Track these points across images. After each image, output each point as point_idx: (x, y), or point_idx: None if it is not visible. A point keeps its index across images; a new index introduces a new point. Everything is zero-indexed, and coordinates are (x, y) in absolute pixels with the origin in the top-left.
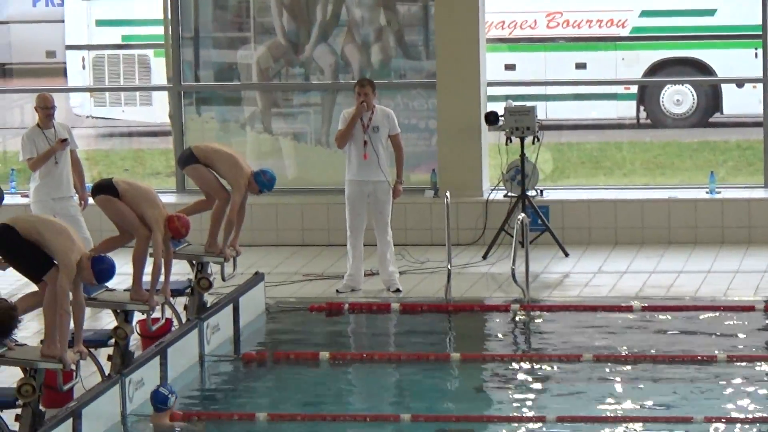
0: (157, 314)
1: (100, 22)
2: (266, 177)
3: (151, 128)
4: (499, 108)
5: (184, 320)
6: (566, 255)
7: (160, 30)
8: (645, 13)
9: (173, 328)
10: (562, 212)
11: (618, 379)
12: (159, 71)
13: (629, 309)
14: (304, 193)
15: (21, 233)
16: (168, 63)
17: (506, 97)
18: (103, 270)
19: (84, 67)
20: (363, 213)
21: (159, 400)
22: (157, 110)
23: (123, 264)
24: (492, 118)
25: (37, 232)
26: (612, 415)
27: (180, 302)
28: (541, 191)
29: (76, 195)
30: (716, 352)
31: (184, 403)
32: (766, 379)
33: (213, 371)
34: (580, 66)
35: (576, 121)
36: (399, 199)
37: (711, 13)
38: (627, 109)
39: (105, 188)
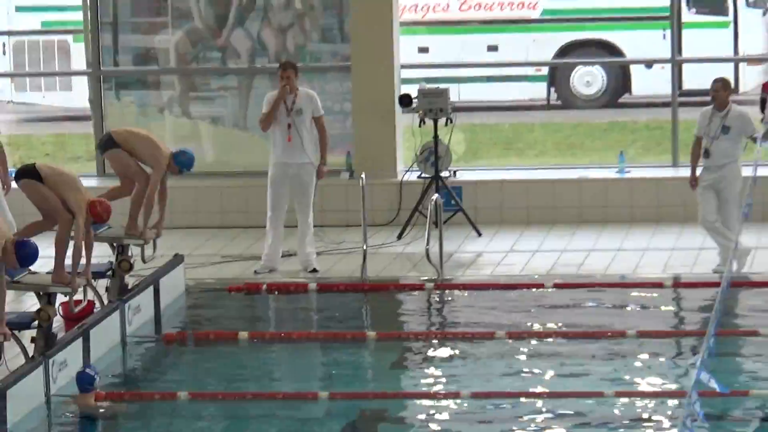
0: (79, 296)
1: (20, 8)
2: (185, 156)
3: (72, 113)
4: (412, 90)
5: (105, 302)
6: (479, 234)
7: (79, 16)
8: None
9: (95, 310)
10: (475, 193)
11: (531, 355)
12: (79, 57)
13: (541, 286)
14: (223, 176)
15: None
16: (87, 48)
17: (420, 80)
18: (26, 254)
19: (4, 53)
20: (285, 195)
21: (85, 381)
22: (77, 95)
23: (46, 247)
24: (406, 101)
25: None
26: (526, 390)
27: (102, 284)
28: (455, 172)
29: None
30: (626, 328)
31: (107, 383)
32: (674, 353)
33: (135, 352)
34: (492, 48)
35: (488, 103)
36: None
37: None
38: (538, 91)
39: (28, 173)
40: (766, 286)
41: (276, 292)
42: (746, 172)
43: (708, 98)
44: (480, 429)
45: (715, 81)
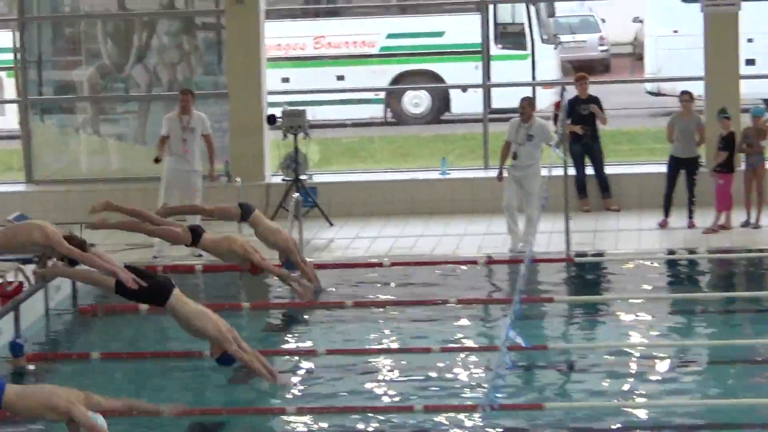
0: (11, 278)
1: None
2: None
3: (5, 133)
4: (277, 111)
5: (33, 282)
6: (331, 225)
7: (10, 56)
8: (390, 36)
9: (24, 289)
10: (328, 192)
11: (375, 320)
12: (10, 88)
13: (380, 265)
14: (126, 182)
15: None
16: (17, 81)
17: (283, 103)
18: None
19: None
20: (176, 195)
21: (16, 349)
22: (10, 119)
23: None
24: (272, 120)
25: None
26: (371, 347)
27: (29, 268)
28: (311, 176)
29: None
30: (449, 296)
31: (34, 348)
32: (488, 317)
33: (56, 322)
34: (340, 77)
35: (338, 121)
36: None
37: (440, 34)
38: (377, 111)
39: None
40: (560, 262)
41: (170, 272)
42: (544, 171)
43: (513, 114)
44: (335, 379)
45: (523, 99)
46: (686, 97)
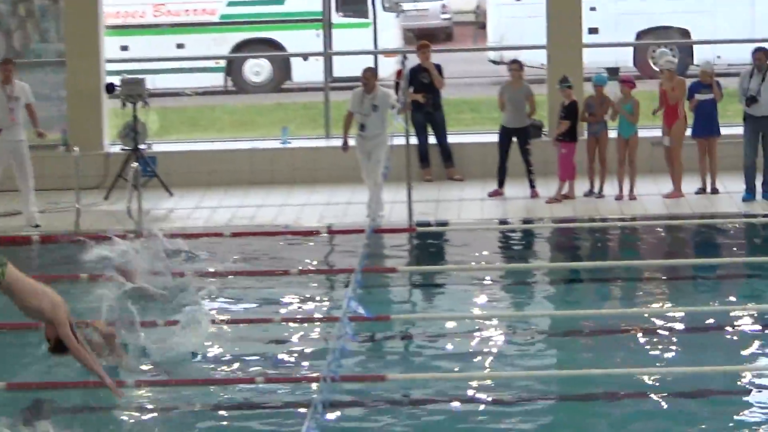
0: None
1: None
2: None
3: None
4: (116, 80)
5: None
6: (171, 195)
7: None
8: (230, 3)
9: None
10: (167, 161)
11: (215, 291)
12: None
13: (221, 235)
14: None
15: None
16: None
17: (121, 72)
18: None
19: None
20: (4, 163)
21: None
22: None
23: None
24: (110, 88)
25: None
26: (212, 318)
27: None
28: (150, 145)
29: None
30: (290, 267)
31: None
32: (330, 287)
33: None
34: (180, 46)
35: (177, 89)
36: (38, 153)
37: (281, 2)
38: (217, 79)
39: None
40: (403, 232)
41: (4, 244)
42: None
43: (355, 83)
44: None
45: (366, 70)
46: (515, 66)
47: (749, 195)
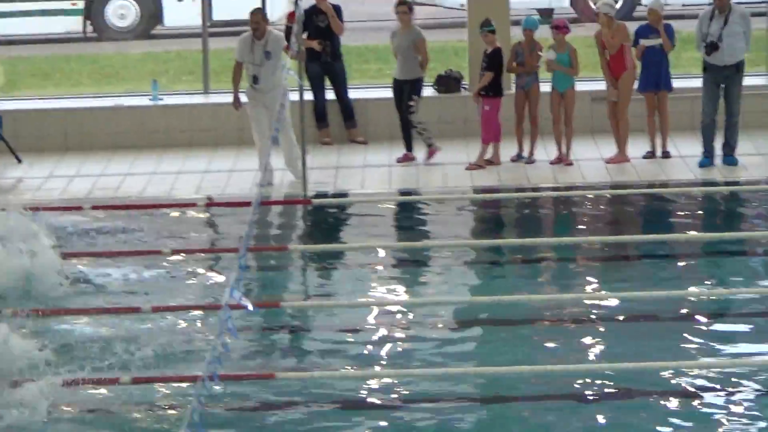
0: None
1: None
2: None
3: None
4: None
5: None
6: (19, 161)
7: None
8: None
9: None
10: (15, 122)
11: (71, 274)
12: None
13: (80, 209)
14: None
15: None
16: None
17: None
18: None
19: None
20: None
21: None
22: None
23: None
24: None
25: None
26: (69, 308)
27: None
28: None
29: None
30: (163, 247)
31: None
32: (209, 270)
33: None
34: None
35: (25, 36)
36: None
37: None
38: (74, 24)
39: None
40: (296, 204)
41: None
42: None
43: (241, 28)
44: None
45: (254, 12)
46: (402, 8)
47: (707, 160)
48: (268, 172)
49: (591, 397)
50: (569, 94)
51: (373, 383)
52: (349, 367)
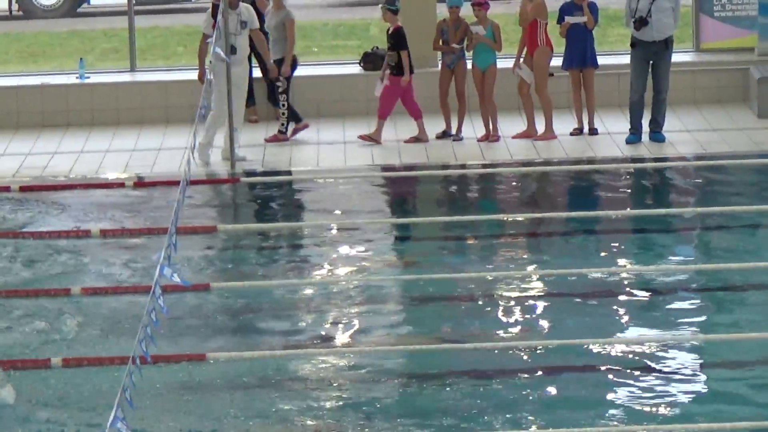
0: None
1: None
2: None
3: None
4: None
5: None
6: None
7: None
8: None
9: None
10: None
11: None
12: None
13: (8, 189)
14: None
15: None
16: None
17: None
18: None
19: None
20: None
21: None
22: None
23: None
24: None
25: None
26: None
27: None
28: None
29: None
30: (92, 227)
31: None
32: (141, 250)
33: None
34: None
35: None
36: None
37: None
38: (0, 2)
39: None
40: (225, 183)
41: None
42: None
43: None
44: None
45: None
46: None
47: (634, 136)
48: (207, 147)
49: (516, 372)
50: (490, 71)
51: (305, 363)
52: (281, 348)
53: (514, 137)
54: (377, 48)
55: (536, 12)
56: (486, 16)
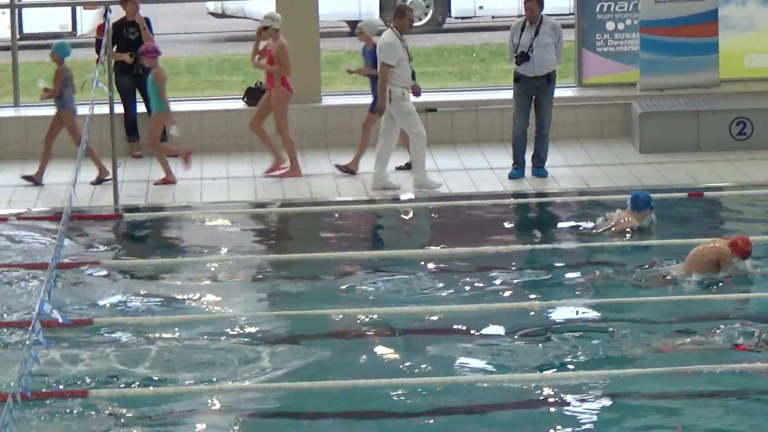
0: None
1: None
2: None
3: None
4: None
5: None
6: None
7: None
8: None
9: None
10: None
11: None
12: None
13: None
14: None
15: None
16: None
17: None
18: None
19: None
20: None
21: None
22: None
23: None
24: None
25: None
26: None
27: None
28: None
29: None
30: None
31: None
32: (21, 286)
33: None
34: None
35: None
36: None
37: None
38: None
39: None
40: (107, 219)
41: None
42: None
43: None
44: None
45: None
46: None
47: (517, 171)
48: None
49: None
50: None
51: (187, 399)
52: (163, 385)
53: (271, 174)
54: (260, 83)
55: (275, 52)
56: (156, 62)
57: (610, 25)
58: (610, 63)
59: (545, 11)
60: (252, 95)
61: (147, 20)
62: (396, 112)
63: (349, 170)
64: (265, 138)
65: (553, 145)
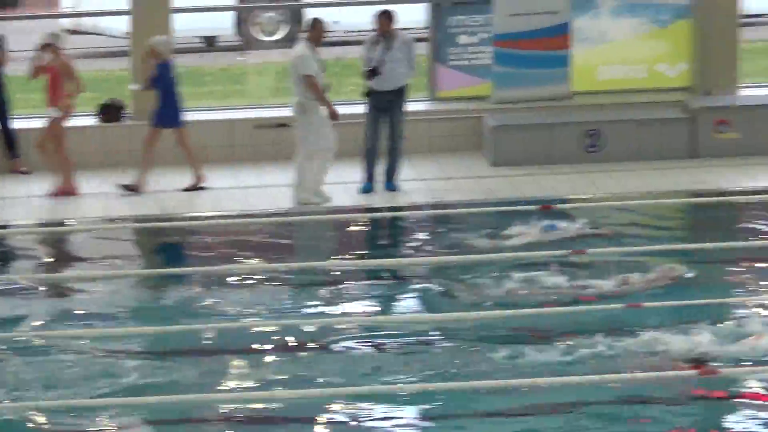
0: None
1: None
2: None
3: None
4: None
5: None
6: None
7: None
8: None
9: None
10: None
11: None
12: None
13: None
14: None
15: None
16: None
17: None
18: None
19: None
20: None
21: None
22: None
23: None
24: None
25: None
26: None
27: None
28: None
29: None
30: None
31: None
32: None
33: None
34: None
35: None
36: None
37: None
38: None
39: None
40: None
41: None
42: None
43: None
44: None
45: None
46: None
47: (368, 185)
48: None
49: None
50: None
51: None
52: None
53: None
54: (113, 99)
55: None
56: None
57: (463, 39)
58: (464, 76)
59: (399, 25)
60: (105, 111)
61: (0, 38)
62: (301, 124)
63: (132, 188)
64: (52, 159)
65: (406, 159)
